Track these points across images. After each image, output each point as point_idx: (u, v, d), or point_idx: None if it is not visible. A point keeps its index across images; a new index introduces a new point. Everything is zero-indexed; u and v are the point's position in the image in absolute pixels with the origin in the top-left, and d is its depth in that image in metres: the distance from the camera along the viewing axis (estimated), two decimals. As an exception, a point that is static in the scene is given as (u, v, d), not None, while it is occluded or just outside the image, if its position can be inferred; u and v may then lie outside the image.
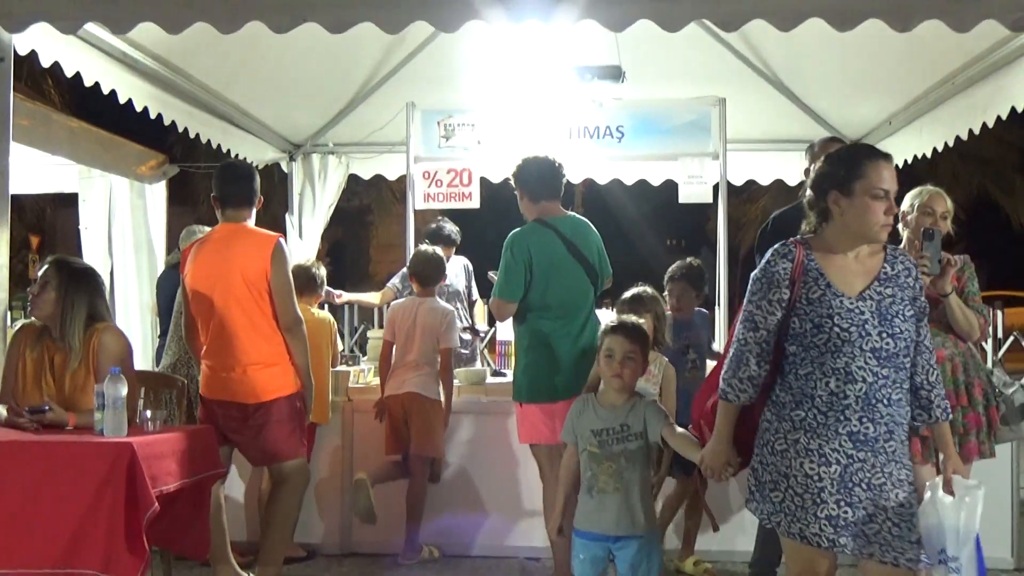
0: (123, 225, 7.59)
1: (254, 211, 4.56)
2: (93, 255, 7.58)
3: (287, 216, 8.17)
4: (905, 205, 4.35)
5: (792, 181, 8.48)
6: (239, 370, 4.29)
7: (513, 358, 4.89)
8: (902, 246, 4.32)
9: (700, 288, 5.29)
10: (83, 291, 3.89)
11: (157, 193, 7.65)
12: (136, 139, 7.48)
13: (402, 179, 7.57)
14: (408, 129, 6.67)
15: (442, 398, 5.21)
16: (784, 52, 6.95)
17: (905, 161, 7.18)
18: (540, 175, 4.62)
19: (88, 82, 5.07)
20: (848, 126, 7.85)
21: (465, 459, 5.39)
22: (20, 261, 18.84)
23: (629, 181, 8.11)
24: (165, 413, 3.83)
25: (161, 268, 7.31)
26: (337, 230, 22.57)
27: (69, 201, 7.98)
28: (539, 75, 6.64)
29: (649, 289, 4.57)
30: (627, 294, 4.53)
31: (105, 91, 5.24)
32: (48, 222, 24.33)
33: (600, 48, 6.41)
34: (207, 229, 6.86)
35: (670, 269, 5.26)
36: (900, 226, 4.37)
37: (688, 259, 5.33)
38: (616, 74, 6.43)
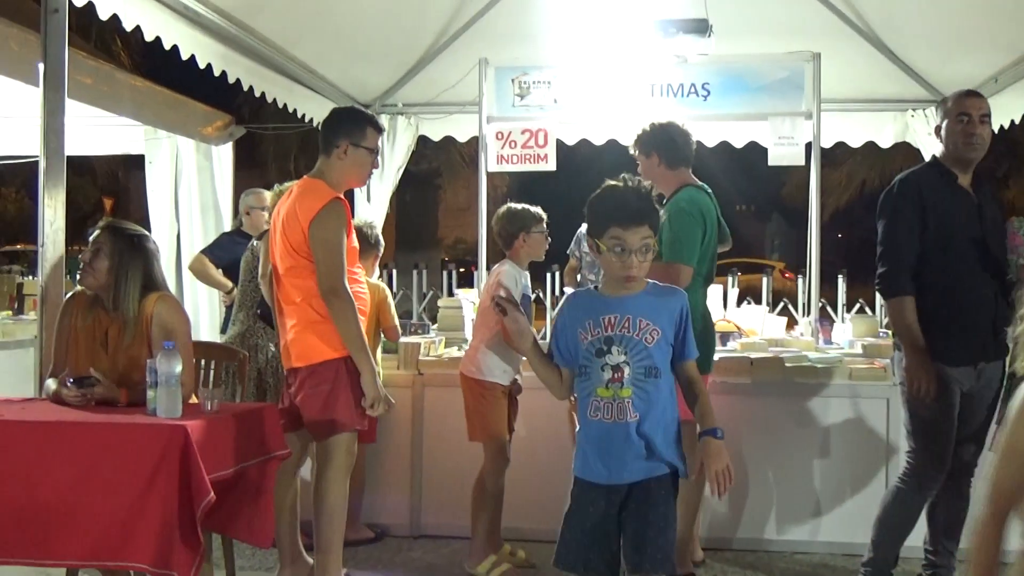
0: (190, 188, 7.45)
1: (335, 159, 4.04)
2: (159, 218, 7.47)
3: (355, 178, 7.90)
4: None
5: (885, 143, 8.00)
6: (284, 335, 4.02)
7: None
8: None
9: None
10: (138, 259, 3.64)
11: (224, 155, 7.49)
12: (202, 100, 7.31)
13: (472, 141, 7.28)
14: (481, 87, 6.33)
15: (487, 376, 4.52)
16: (881, 4, 6.51)
17: (1013, 121, 6.68)
18: (677, 140, 4.55)
19: (149, 36, 4.84)
20: (948, 83, 7.30)
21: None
22: (96, 224, 19.00)
23: (711, 143, 7.64)
24: (225, 390, 3.56)
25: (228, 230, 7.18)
26: (405, 194, 22.37)
27: (140, 163, 7.85)
28: (619, 30, 6.22)
29: None
30: None
31: (167, 46, 5.01)
32: (121, 184, 24.57)
33: (684, 2, 6.04)
34: (266, 192, 6.68)
35: None
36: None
37: None
38: (702, 28, 6.00)
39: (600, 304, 2.97)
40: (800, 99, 6.19)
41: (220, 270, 6.23)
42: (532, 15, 6.36)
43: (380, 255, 5.17)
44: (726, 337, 5.70)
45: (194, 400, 3.58)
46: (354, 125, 4.08)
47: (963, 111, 3.95)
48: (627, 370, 2.88)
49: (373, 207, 7.78)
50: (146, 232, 3.81)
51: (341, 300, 3.83)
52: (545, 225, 4.73)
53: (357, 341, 3.87)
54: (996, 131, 7.07)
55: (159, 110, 6.62)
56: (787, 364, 4.99)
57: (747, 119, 6.66)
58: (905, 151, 9.15)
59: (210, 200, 7.49)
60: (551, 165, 6.33)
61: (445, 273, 9.34)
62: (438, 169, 21.40)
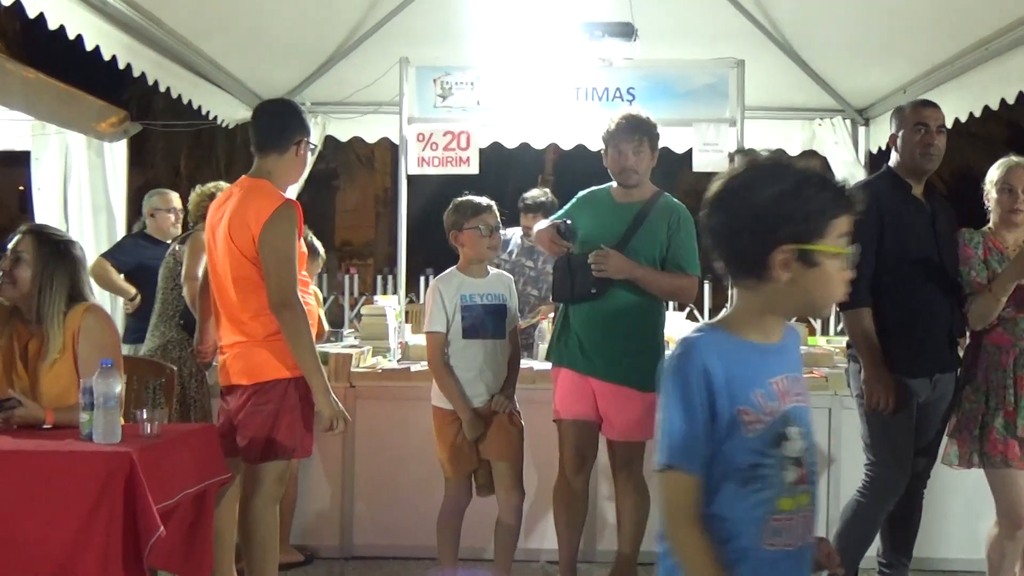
0: (80, 187, 6.95)
1: (290, 157, 3.77)
2: (46, 219, 6.94)
3: (258, 179, 7.55)
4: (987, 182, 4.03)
5: (794, 151, 8.07)
6: (226, 348, 3.71)
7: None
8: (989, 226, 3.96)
9: None
10: (64, 267, 3.32)
11: (117, 152, 7.02)
12: (90, 93, 6.85)
13: (376, 143, 6.99)
14: (401, 87, 6.10)
15: (433, 400, 4.19)
16: (796, 15, 6.55)
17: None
18: None
19: (53, 24, 4.47)
20: (857, 94, 7.49)
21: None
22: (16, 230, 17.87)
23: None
24: (165, 411, 3.26)
25: (121, 233, 6.75)
26: (303, 195, 21.83)
27: (14, 160, 7.31)
28: (544, 31, 6.10)
29: None
30: None
31: (71, 35, 4.64)
32: (-8, 182, 23.21)
33: (609, 5, 5.95)
34: (173, 194, 6.32)
35: None
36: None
37: None
38: (628, 32, 5.92)
39: (756, 357, 1.92)
40: (724, 106, 6.18)
41: (122, 275, 5.84)
42: (452, 14, 6.15)
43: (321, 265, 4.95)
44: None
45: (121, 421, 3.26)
46: (303, 120, 3.83)
47: (920, 121, 3.94)
48: (808, 461, 1.94)
49: (278, 209, 7.43)
50: (71, 237, 3.48)
51: (293, 313, 3.53)
52: (489, 218, 4.13)
53: (310, 357, 3.57)
54: (902, 142, 7.30)
55: (52, 104, 6.13)
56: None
57: (673, 124, 6.60)
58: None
59: (102, 200, 7.00)
60: (473, 168, 6.13)
61: (347, 278, 9.07)
62: (335, 170, 20.97)
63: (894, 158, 4.05)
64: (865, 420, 3.91)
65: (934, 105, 4.06)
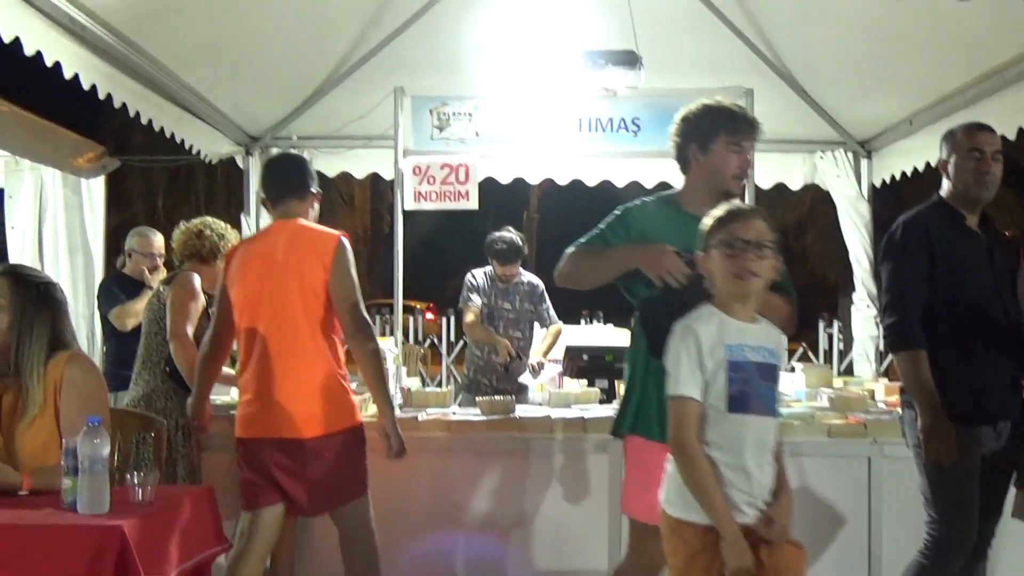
0: (55, 226, 6.62)
1: (310, 208, 3.94)
2: (21, 259, 6.60)
3: (243, 216, 7.25)
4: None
5: (795, 185, 7.86)
6: (287, 398, 3.60)
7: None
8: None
9: None
10: (45, 312, 2.99)
11: (95, 189, 6.69)
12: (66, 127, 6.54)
13: (362, 180, 6.71)
14: (396, 118, 5.83)
15: None
16: (799, 44, 6.39)
17: (928, 164, 6.62)
18: None
19: (29, 50, 4.17)
20: (862, 125, 7.30)
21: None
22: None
23: (650, 184, 7.30)
24: (157, 474, 2.91)
25: (99, 274, 6.42)
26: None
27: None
28: (544, 60, 5.86)
29: None
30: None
31: (48, 62, 4.34)
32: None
33: (612, 34, 5.75)
34: (155, 236, 5.97)
35: None
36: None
37: None
38: (631, 60, 5.70)
39: None
40: (733, 137, 5.94)
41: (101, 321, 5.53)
42: (447, 42, 5.94)
43: None
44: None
45: (106, 483, 2.92)
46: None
47: (975, 147, 3.66)
48: None
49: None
50: (52, 279, 3.15)
51: (371, 337, 3.69)
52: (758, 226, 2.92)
53: (384, 385, 3.73)
54: (909, 175, 7.10)
55: (27, 139, 5.83)
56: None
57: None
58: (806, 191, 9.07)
59: (79, 240, 6.65)
60: (473, 203, 5.87)
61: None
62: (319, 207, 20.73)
63: (945, 186, 3.76)
64: (924, 474, 3.58)
65: (990, 129, 3.77)
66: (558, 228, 4.42)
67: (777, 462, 2.80)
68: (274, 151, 7.17)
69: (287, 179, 3.90)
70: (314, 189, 3.95)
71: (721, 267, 2.76)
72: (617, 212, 3.46)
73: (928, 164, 6.59)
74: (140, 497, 2.70)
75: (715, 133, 3.37)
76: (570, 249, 3.41)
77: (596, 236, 3.41)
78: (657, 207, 3.44)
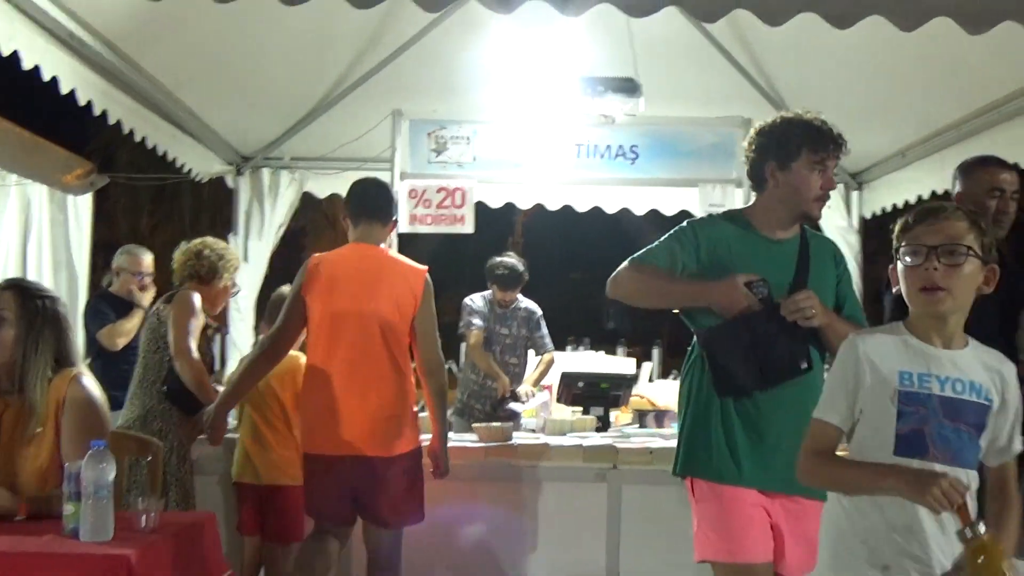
0: (40, 242, 6.51)
1: (387, 231, 4.14)
2: (3, 275, 6.49)
3: (231, 236, 7.16)
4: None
5: (786, 214, 7.87)
6: (359, 417, 3.74)
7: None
8: None
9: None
10: (50, 327, 2.89)
11: (81, 207, 6.60)
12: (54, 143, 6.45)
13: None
14: (394, 141, 5.79)
15: None
16: (794, 75, 6.40)
17: (919, 197, 6.64)
18: None
19: (27, 64, 4.11)
20: (850, 157, 7.18)
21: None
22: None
23: (640, 210, 7.31)
24: (161, 499, 2.81)
25: (83, 292, 6.32)
26: (273, 253, 21.32)
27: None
28: (543, 86, 5.86)
29: None
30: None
31: (46, 77, 4.30)
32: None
33: (611, 62, 5.74)
34: (145, 255, 5.81)
35: None
36: None
37: None
38: (631, 88, 5.70)
39: None
40: (731, 166, 5.95)
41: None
42: (445, 66, 5.88)
43: None
44: (654, 416, 5.31)
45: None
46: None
47: (997, 186, 3.57)
48: None
49: (252, 267, 7.04)
50: (54, 293, 3.06)
51: (444, 371, 3.95)
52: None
53: (445, 411, 3.97)
54: (901, 207, 7.11)
55: (15, 154, 5.74)
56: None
57: (677, 185, 6.38)
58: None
59: (63, 257, 6.56)
60: (469, 227, 5.84)
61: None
62: (304, 228, 20.53)
63: None
64: None
65: (1010, 167, 3.70)
66: (542, 253, 4.40)
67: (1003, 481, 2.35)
68: (264, 172, 7.13)
69: (376, 204, 4.01)
70: (395, 217, 4.16)
71: (904, 281, 2.32)
72: (684, 226, 3.12)
73: (920, 198, 6.62)
74: (144, 523, 2.61)
75: (797, 149, 3.02)
76: (632, 263, 3.08)
77: (662, 251, 3.06)
78: (728, 226, 3.11)
